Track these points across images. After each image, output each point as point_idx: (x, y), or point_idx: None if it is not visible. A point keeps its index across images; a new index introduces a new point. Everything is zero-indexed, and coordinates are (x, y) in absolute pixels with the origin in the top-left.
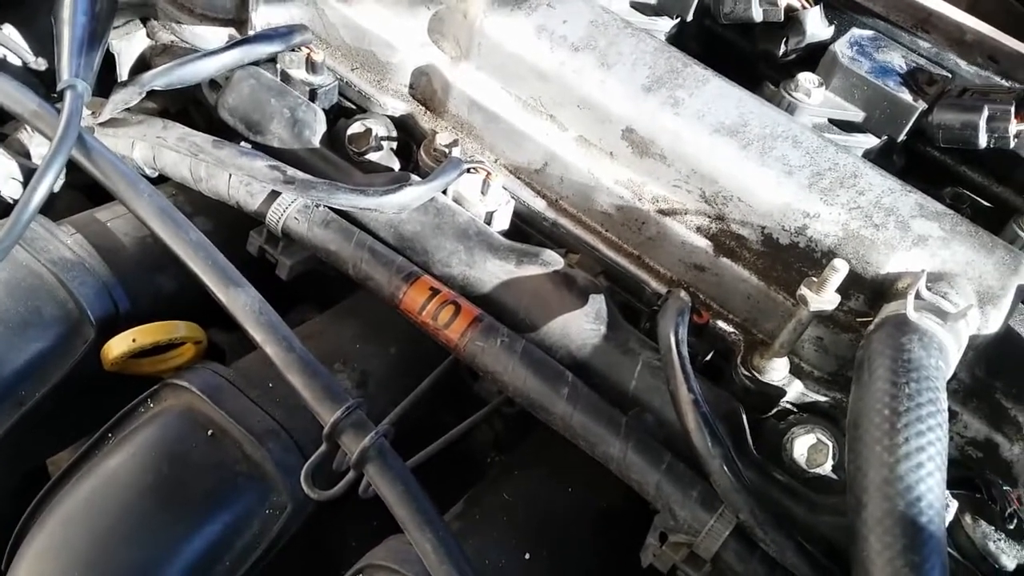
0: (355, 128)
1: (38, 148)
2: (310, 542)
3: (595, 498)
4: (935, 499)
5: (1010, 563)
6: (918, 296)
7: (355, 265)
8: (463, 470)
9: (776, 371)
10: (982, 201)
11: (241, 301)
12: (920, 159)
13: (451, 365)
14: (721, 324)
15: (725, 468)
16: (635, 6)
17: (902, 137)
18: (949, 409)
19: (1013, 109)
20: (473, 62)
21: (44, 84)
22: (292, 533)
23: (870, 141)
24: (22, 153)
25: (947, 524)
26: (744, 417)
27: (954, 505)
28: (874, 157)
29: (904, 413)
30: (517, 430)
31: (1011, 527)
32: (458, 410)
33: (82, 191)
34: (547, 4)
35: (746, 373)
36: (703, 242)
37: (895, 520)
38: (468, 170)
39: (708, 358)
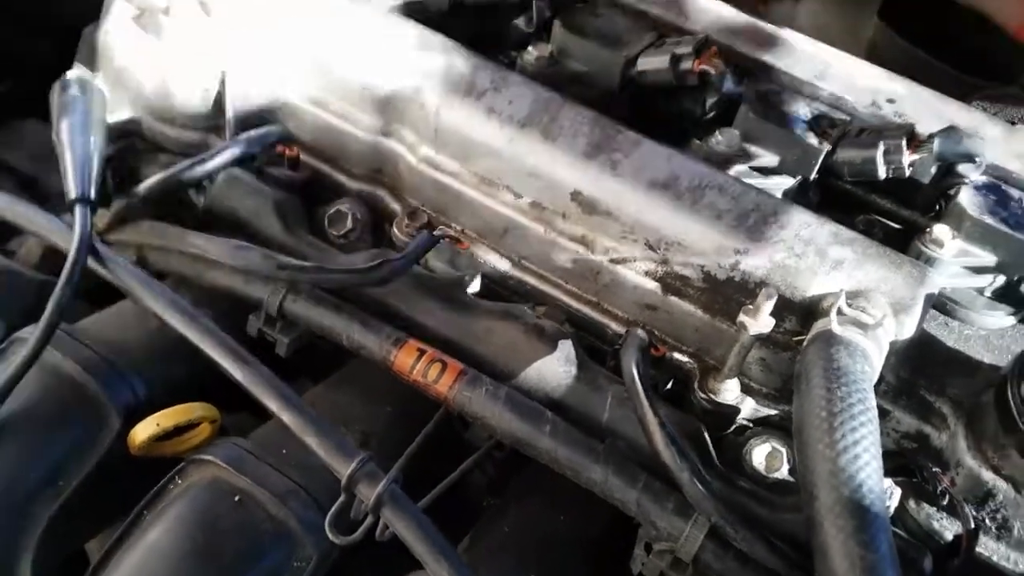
0: (332, 213)
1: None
2: None
3: (587, 522)
4: (875, 484)
5: (950, 536)
6: (840, 312)
7: (348, 336)
8: (461, 515)
9: (729, 392)
10: (892, 224)
11: (254, 376)
12: (833, 193)
13: (444, 416)
14: (677, 355)
15: (694, 479)
16: (565, 78)
17: (813, 175)
18: (882, 408)
19: (904, 142)
20: (432, 146)
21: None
22: None
23: (787, 182)
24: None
25: (893, 510)
26: (706, 435)
27: (897, 492)
28: (792, 195)
29: (839, 414)
30: (508, 473)
31: (945, 503)
32: (453, 460)
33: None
34: (492, 88)
35: (703, 396)
36: (652, 284)
37: (843, 506)
38: (439, 240)
39: (669, 387)
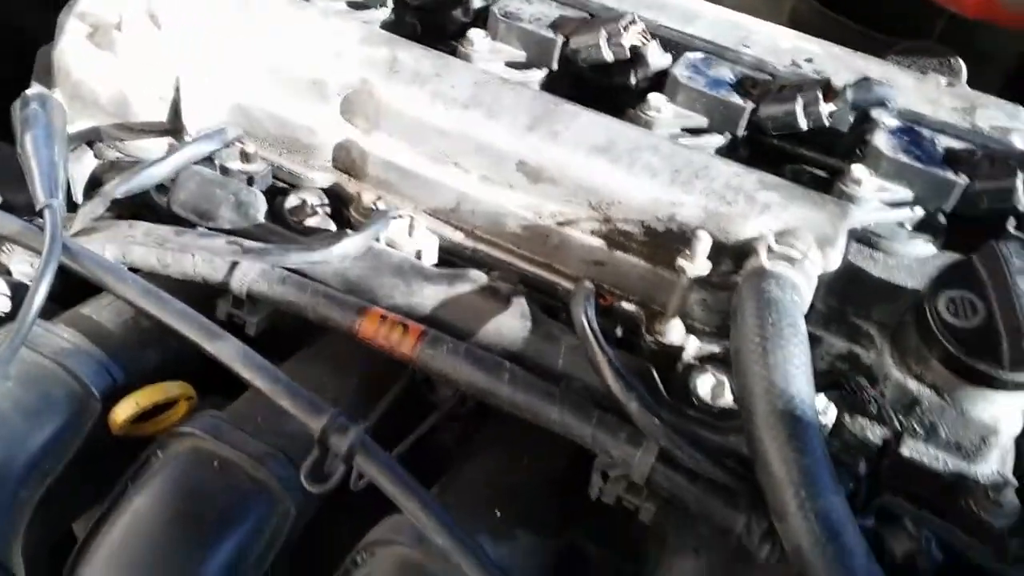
0: (291, 201)
1: (17, 265)
2: (314, 544)
3: (549, 463)
4: (806, 397)
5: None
6: (769, 250)
7: (314, 310)
8: (429, 472)
9: (673, 332)
10: (818, 172)
11: (228, 349)
12: (762, 148)
13: (410, 378)
14: (625, 305)
15: (642, 407)
16: (510, 65)
17: (741, 132)
18: (814, 334)
19: (821, 94)
20: (383, 131)
21: None
22: (299, 534)
23: (718, 140)
24: (2, 271)
25: (831, 425)
26: (655, 373)
27: (833, 409)
28: (724, 152)
29: (771, 338)
30: (473, 429)
31: (875, 412)
32: (421, 421)
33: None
34: (436, 74)
35: (650, 339)
36: (598, 242)
37: (778, 418)
38: (394, 218)
39: (619, 335)
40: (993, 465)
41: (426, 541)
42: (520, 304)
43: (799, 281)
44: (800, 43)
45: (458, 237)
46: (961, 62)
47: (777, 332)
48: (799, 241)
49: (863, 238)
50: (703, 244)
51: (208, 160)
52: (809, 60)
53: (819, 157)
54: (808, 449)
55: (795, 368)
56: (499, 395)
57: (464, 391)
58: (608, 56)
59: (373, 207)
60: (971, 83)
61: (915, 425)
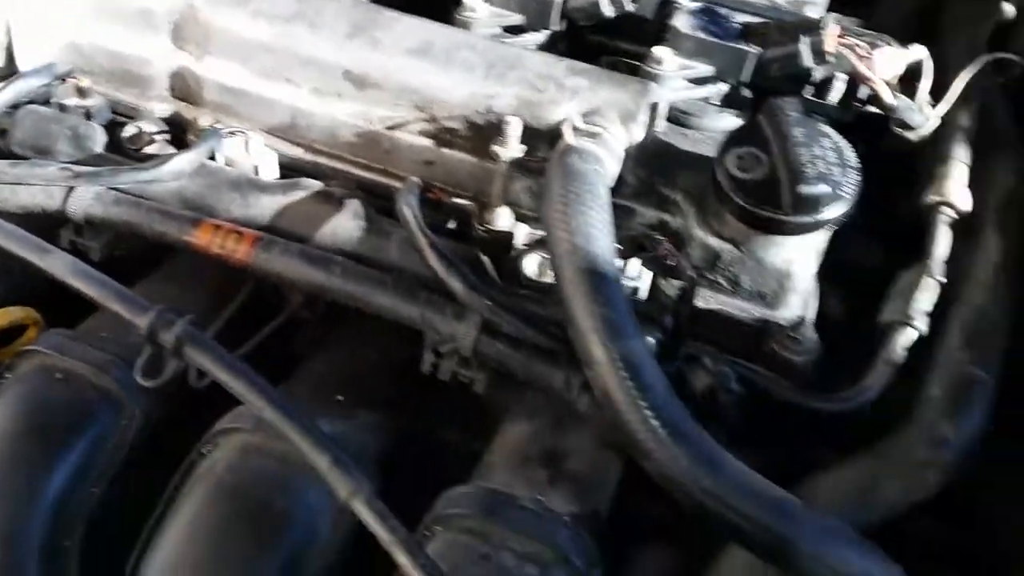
0: (129, 131)
1: None
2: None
3: (390, 350)
4: (606, 255)
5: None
6: (574, 129)
7: (149, 227)
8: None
9: (501, 219)
10: (632, 61)
11: (57, 263)
12: (580, 42)
13: (255, 286)
14: (458, 200)
15: (463, 284)
16: None
17: (555, 27)
18: (628, 207)
19: None
20: (213, 54)
21: None
22: (147, 438)
23: (538, 37)
24: None
25: (648, 290)
26: (484, 258)
27: (648, 273)
28: (545, 48)
29: (572, 204)
30: (324, 333)
31: (674, 267)
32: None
33: None
34: None
35: (480, 228)
36: (426, 142)
37: (581, 276)
38: (227, 136)
39: (455, 228)
40: (795, 309)
41: (266, 424)
42: (353, 205)
43: (602, 154)
44: None
45: (297, 152)
46: None
47: (578, 199)
48: (603, 119)
49: (674, 117)
50: (513, 128)
51: (44, 100)
52: None
53: (631, 47)
54: (611, 303)
55: (595, 230)
56: (333, 288)
57: (301, 289)
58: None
59: (207, 127)
60: None
61: (720, 279)
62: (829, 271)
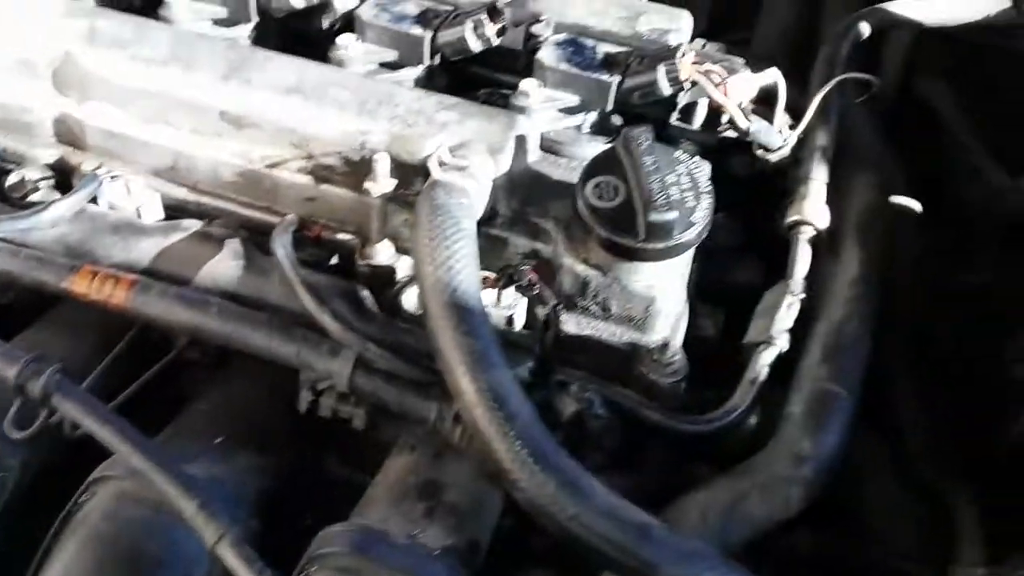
0: (11, 179)
1: None
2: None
3: (278, 391)
4: (471, 288)
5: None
6: (440, 163)
7: (28, 276)
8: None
9: (382, 254)
10: (507, 92)
11: None
12: (459, 75)
13: (138, 332)
14: (340, 236)
15: (334, 320)
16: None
17: (426, 62)
18: (501, 237)
19: (486, 16)
20: (94, 99)
21: None
22: (26, 488)
23: (415, 72)
24: None
25: (524, 318)
26: (363, 292)
27: (523, 303)
28: (424, 83)
29: (436, 238)
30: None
31: (539, 296)
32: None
33: None
34: (135, 39)
35: (362, 263)
36: (306, 179)
37: (446, 309)
38: (107, 180)
39: (337, 263)
40: (663, 332)
41: (139, 471)
42: (233, 245)
43: (468, 186)
44: None
45: (181, 193)
46: None
47: (442, 233)
48: (471, 152)
49: (547, 146)
50: (381, 164)
51: None
52: None
53: (506, 78)
54: (476, 333)
55: (458, 263)
56: (210, 330)
57: (180, 332)
58: (298, 3)
59: (89, 174)
60: None
61: (591, 305)
62: (708, 291)
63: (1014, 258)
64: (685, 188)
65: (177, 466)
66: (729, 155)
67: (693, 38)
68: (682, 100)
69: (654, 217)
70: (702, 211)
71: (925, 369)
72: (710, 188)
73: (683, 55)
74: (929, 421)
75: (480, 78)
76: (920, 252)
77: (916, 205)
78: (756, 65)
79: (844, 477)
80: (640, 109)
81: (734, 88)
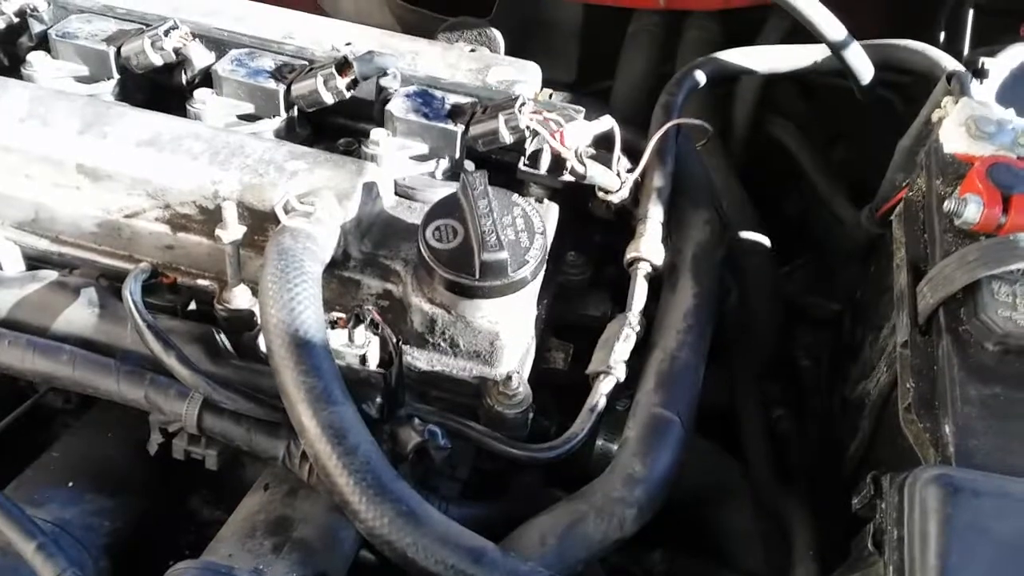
0: None
1: None
2: None
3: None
4: (312, 328)
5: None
6: (288, 208)
7: None
8: None
9: (239, 298)
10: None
11: None
12: (322, 126)
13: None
14: (200, 281)
15: (180, 363)
16: (79, 80)
17: (283, 114)
18: (354, 279)
19: (335, 69)
20: None
21: None
22: None
23: (275, 123)
24: None
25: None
26: (219, 336)
27: (375, 341)
28: (284, 133)
29: (279, 282)
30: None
31: (381, 332)
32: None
33: None
34: None
35: (220, 307)
36: (163, 228)
37: (288, 349)
38: None
39: (193, 308)
40: (510, 366)
41: None
42: (88, 293)
43: (314, 231)
44: (347, 31)
45: (43, 244)
46: (495, 32)
47: (285, 276)
48: (319, 199)
49: (402, 192)
50: (229, 211)
51: None
52: (348, 43)
53: (362, 127)
54: (317, 372)
55: (300, 305)
56: (63, 377)
57: (33, 379)
58: (156, 60)
59: None
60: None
61: (441, 342)
62: (559, 325)
63: (863, 286)
64: (520, 229)
65: (18, 509)
66: (583, 198)
67: (573, 87)
68: (529, 147)
69: (487, 257)
70: (536, 250)
71: (784, 394)
72: (543, 229)
73: (522, 104)
74: (777, 447)
75: (339, 127)
76: (774, 283)
77: (765, 240)
78: (613, 112)
79: (700, 501)
80: (487, 155)
81: (570, 135)
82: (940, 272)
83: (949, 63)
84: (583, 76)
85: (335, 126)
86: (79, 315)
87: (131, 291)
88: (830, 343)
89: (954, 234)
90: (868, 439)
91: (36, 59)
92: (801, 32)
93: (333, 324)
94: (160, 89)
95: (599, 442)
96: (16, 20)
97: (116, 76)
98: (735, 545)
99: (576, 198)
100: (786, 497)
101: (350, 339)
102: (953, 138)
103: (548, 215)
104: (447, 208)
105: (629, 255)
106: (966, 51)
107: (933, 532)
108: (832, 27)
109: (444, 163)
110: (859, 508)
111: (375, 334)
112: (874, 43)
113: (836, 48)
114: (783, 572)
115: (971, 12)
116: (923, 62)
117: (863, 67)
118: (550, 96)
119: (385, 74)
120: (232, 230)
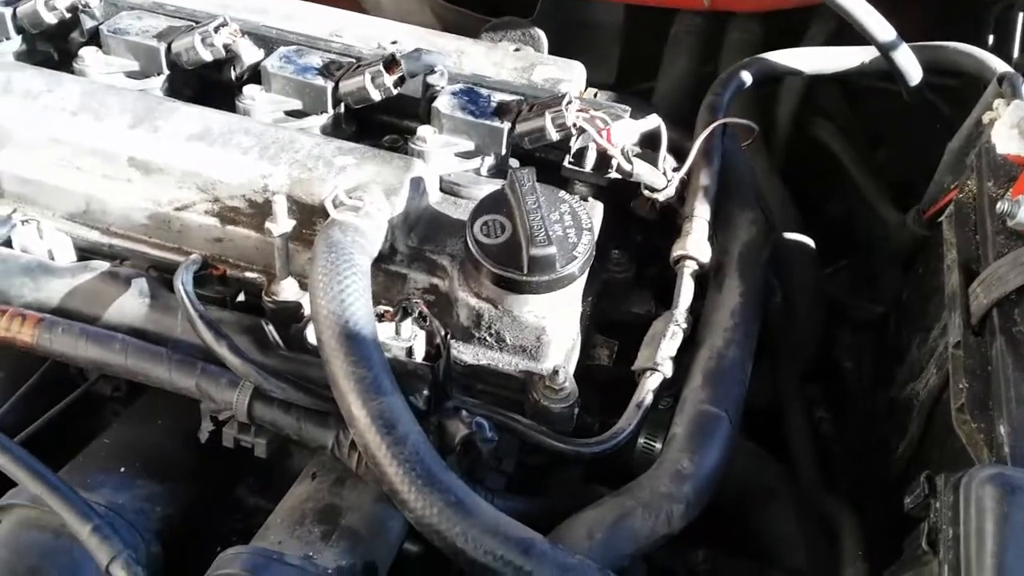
0: None
1: None
2: None
3: (186, 422)
4: (362, 319)
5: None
6: (337, 203)
7: None
8: None
9: (287, 291)
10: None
11: None
12: (367, 123)
13: (51, 368)
14: (247, 274)
15: (232, 352)
16: (129, 75)
17: (330, 111)
18: (400, 273)
19: (383, 67)
20: (7, 147)
21: None
22: None
23: (322, 120)
24: None
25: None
26: (268, 327)
27: (422, 334)
28: (331, 129)
29: (329, 274)
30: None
31: (430, 326)
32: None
33: None
34: (47, 90)
35: (268, 300)
36: (212, 221)
37: (339, 340)
38: (19, 223)
39: (241, 299)
40: (556, 360)
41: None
42: (139, 284)
43: (363, 225)
44: (392, 30)
45: (94, 236)
46: (539, 31)
47: (335, 268)
48: (368, 193)
49: (447, 188)
50: (279, 205)
51: None
52: (395, 42)
53: (409, 124)
54: (367, 363)
55: (350, 296)
56: (114, 364)
57: (86, 367)
58: (207, 56)
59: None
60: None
61: (487, 336)
62: (604, 322)
63: (910, 288)
64: (567, 225)
65: (74, 493)
66: (625, 197)
67: (613, 88)
68: (574, 145)
69: (535, 252)
70: (583, 246)
71: (825, 395)
72: (591, 225)
73: (569, 103)
74: (821, 448)
75: (384, 124)
76: (817, 285)
77: (809, 241)
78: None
79: (743, 501)
80: (533, 153)
81: (616, 133)
82: (994, 273)
83: (1000, 65)
84: (622, 77)
85: (380, 123)
86: (130, 305)
87: (183, 281)
88: (872, 345)
89: (1006, 235)
90: (917, 440)
91: (88, 54)
92: (844, 35)
93: (380, 317)
94: (209, 85)
95: (640, 440)
96: (68, 16)
97: (166, 72)
98: (778, 545)
99: (618, 197)
100: (834, 498)
101: (397, 332)
102: (1005, 140)
103: (594, 212)
104: (494, 204)
105: (675, 253)
106: (1015, 54)
107: (989, 531)
108: (882, 28)
109: (489, 160)
110: (911, 508)
111: (422, 327)
112: (923, 45)
113: (885, 50)
114: (829, 573)
115: (1021, 15)
116: (973, 64)
117: (912, 69)
118: (595, 95)
119: (432, 72)
120: (282, 223)
